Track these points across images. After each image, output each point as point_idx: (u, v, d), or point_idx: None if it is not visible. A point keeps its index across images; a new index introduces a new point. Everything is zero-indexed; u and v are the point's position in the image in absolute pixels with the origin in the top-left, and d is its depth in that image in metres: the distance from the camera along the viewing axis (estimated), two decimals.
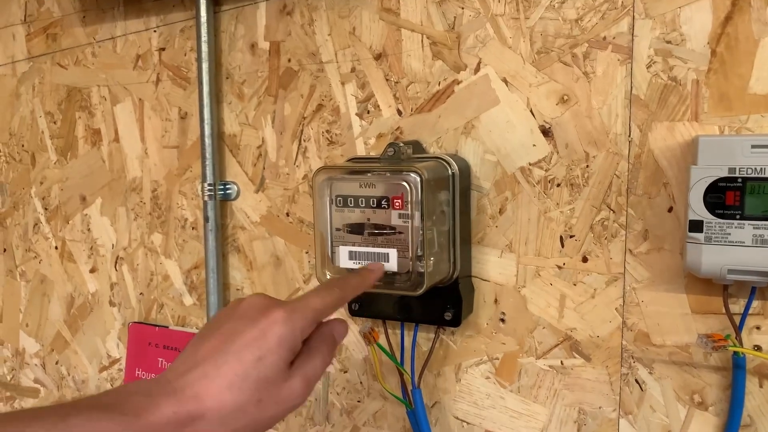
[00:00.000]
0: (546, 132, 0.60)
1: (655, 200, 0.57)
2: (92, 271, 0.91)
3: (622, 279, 0.59)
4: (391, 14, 0.66)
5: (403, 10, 0.66)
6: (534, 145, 0.61)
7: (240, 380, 0.40)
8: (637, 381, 0.59)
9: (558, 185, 0.60)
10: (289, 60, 0.73)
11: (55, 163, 0.92)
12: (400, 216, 0.55)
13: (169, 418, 0.37)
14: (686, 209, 0.51)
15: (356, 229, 0.56)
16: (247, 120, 0.76)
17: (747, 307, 0.53)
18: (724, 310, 0.54)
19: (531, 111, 0.61)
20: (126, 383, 0.47)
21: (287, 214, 0.75)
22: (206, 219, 0.77)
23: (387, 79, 0.67)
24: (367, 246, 0.56)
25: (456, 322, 0.62)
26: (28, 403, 1.02)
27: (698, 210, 0.51)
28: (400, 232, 0.55)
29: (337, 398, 0.75)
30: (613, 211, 0.59)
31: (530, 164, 0.61)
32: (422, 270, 0.55)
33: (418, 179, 0.54)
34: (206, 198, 0.76)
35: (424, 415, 0.65)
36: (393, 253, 0.55)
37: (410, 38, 0.66)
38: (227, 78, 0.77)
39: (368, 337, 0.62)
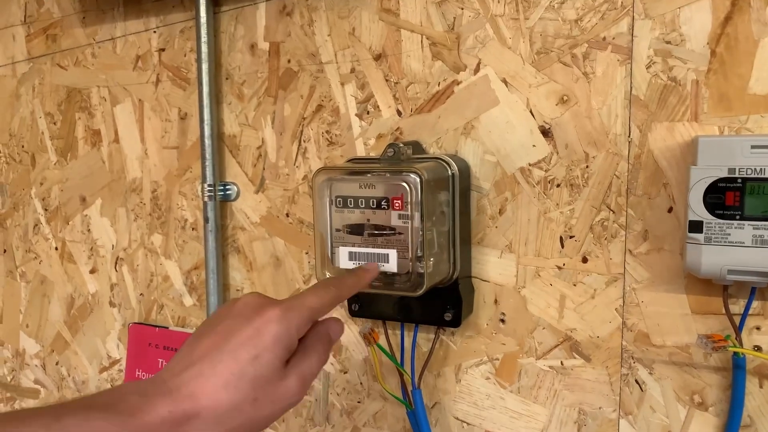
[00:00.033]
0: (546, 132, 0.60)
1: (654, 201, 0.57)
2: (92, 271, 0.91)
3: (622, 279, 0.59)
4: (391, 15, 0.66)
5: (402, 10, 0.66)
6: (534, 146, 0.61)
7: (236, 379, 0.39)
8: (637, 381, 0.59)
9: (558, 186, 0.60)
10: (289, 61, 0.72)
11: (55, 164, 0.92)
12: (400, 217, 0.55)
13: (165, 417, 0.37)
14: (686, 210, 0.51)
15: (356, 229, 0.56)
16: (246, 120, 0.76)
17: (747, 308, 0.53)
18: (724, 311, 0.54)
19: (531, 111, 0.61)
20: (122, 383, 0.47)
21: (287, 215, 0.75)
22: (206, 220, 0.77)
23: (387, 80, 0.67)
24: (366, 247, 0.56)
25: (456, 322, 0.62)
26: (29, 403, 1.02)
27: (698, 210, 0.51)
28: (399, 233, 0.55)
29: (338, 399, 0.75)
30: (613, 212, 0.58)
31: (530, 165, 0.61)
32: (422, 271, 0.55)
33: (418, 180, 0.54)
34: (206, 199, 0.76)
35: (424, 416, 0.65)
36: (393, 253, 0.55)
37: (410, 39, 0.66)
38: (227, 79, 0.77)
39: (368, 338, 0.62)
